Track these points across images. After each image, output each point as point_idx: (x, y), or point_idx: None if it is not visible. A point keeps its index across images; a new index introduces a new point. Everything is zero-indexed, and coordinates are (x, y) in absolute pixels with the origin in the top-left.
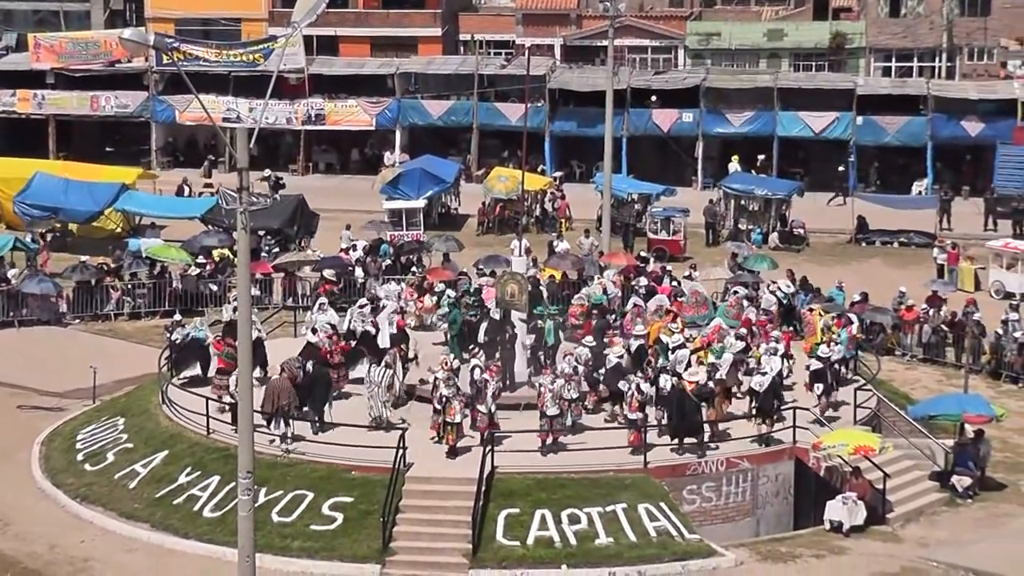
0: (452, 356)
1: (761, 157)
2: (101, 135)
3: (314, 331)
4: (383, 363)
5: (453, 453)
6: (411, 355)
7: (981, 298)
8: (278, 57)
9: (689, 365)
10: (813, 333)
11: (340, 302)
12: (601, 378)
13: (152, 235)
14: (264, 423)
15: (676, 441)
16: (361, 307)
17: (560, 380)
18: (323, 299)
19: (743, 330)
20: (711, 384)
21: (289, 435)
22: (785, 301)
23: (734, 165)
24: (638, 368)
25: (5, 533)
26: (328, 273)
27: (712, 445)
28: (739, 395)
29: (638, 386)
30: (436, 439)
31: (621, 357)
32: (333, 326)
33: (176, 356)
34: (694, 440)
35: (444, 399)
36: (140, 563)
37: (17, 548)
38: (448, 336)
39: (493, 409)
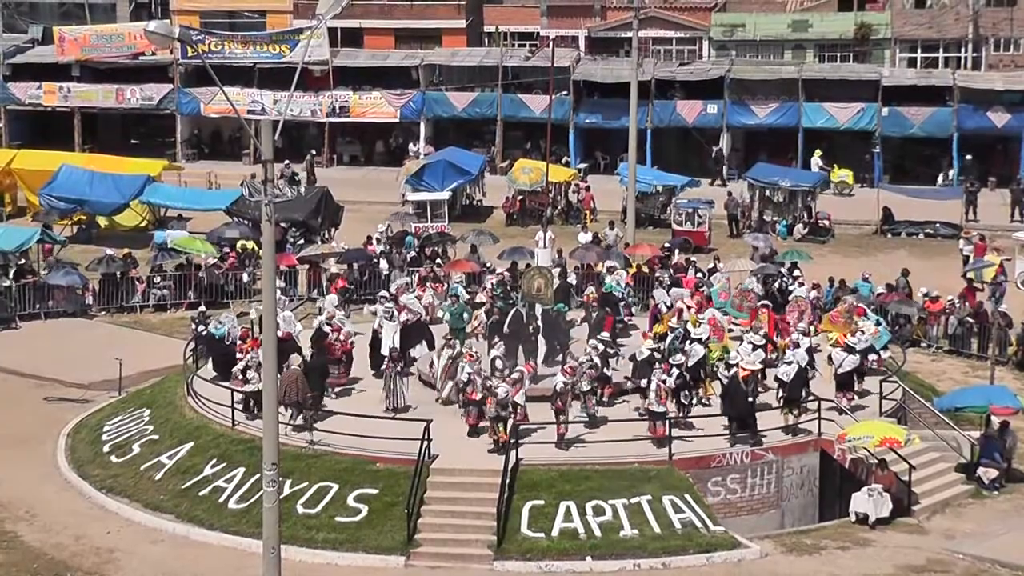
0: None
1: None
2: (126, 128)
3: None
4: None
5: (498, 448)
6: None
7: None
8: (303, 49)
9: (704, 359)
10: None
11: (361, 295)
12: (611, 372)
13: (178, 227)
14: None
15: (730, 430)
16: (381, 300)
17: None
18: (331, 297)
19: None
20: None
21: (302, 424)
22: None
23: (816, 160)
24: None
25: (31, 524)
26: (336, 269)
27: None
28: (762, 388)
29: (663, 379)
30: (471, 433)
31: (653, 351)
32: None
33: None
34: (746, 431)
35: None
36: (165, 554)
37: (43, 539)
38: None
39: (523, 400)
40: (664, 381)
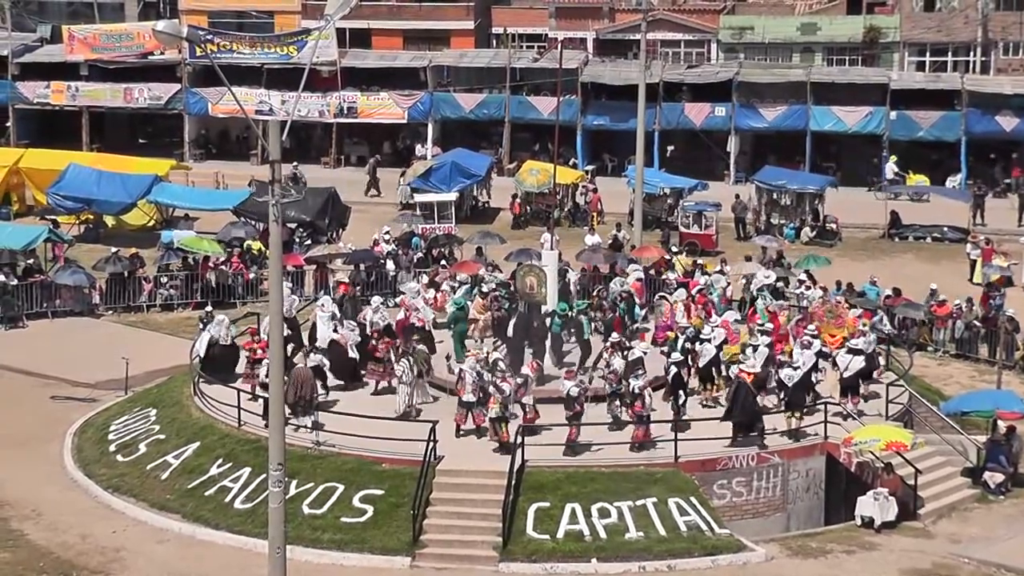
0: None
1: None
2: (134, 127)
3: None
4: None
5: (502, 448)
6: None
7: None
8: (311, 50)
9: (717, 359)
10: (841, 326)
11: (367, 296)
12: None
13: (185, 227)
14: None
15: (736, 434)
16: (375, 308)
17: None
18: (323, 298)
19: (769, 325)
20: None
21: (310, 425)
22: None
23: (891, 166)
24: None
25: (37, 523)
26: (341, 275)
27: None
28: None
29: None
30: (460, 433)
31: (645, 353)
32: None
33: (203, 361)
34: (754, 432)
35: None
36: (171, 554)
37: (49, 538)
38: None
39: (532, 401)
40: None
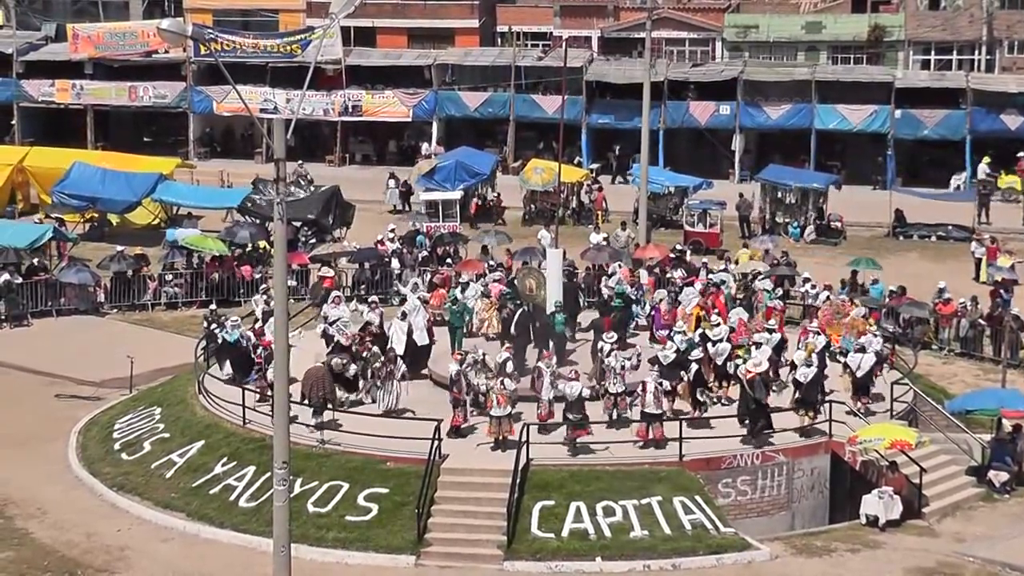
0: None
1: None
2: (138, 125)
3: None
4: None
5: (497, 446)
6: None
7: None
8: (315, 48)
9: (730, 357)
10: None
11: (373, 293)
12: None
13: (189, 225)
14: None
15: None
16: (372, 304)
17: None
18: (336, 293)
19: (773, 321)
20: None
21: (317, 424)
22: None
23: (983, 167)
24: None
25: (42, 522)
26: (324, 271)
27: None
28: (775, 389)
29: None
30: (453, 434)
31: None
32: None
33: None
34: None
35: (486, 390)
36: (176, 552)
37: (54, 536)
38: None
39: (550, 397)
40: (661, 384)
